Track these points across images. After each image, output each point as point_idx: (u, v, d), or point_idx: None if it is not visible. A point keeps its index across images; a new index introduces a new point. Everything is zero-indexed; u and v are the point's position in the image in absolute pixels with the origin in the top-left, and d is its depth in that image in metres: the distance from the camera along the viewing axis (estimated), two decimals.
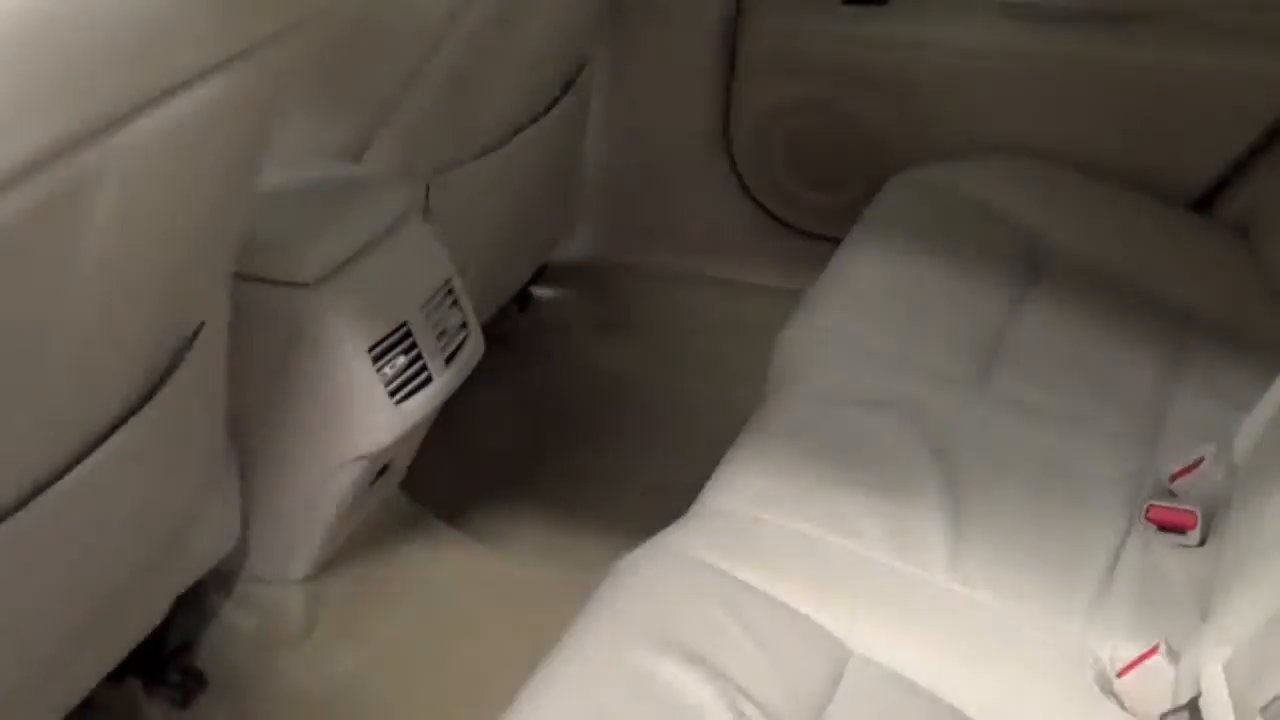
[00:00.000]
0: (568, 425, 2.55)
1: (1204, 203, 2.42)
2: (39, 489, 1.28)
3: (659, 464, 2.42)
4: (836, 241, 2.22)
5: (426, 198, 2.08)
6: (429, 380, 1.90)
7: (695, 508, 1.66)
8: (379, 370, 1.83)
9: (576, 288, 2.80)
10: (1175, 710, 1.39)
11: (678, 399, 2.59)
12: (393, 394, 1.85)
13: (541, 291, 2.80)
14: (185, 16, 1.14)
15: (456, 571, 2.11)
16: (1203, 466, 1.74)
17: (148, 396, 1.42)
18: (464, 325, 1.98)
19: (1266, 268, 2.27)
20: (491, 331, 2.20)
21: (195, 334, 1.53)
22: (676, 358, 2.67)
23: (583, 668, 1.39)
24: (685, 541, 1.57)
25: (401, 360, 1.86)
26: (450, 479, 2.29)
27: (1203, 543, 1.69)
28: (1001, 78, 2.45)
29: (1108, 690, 1.47)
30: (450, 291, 1.97)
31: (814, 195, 2.65)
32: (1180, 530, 1.69)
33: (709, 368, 2.62)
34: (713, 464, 1.77)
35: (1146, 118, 2.40)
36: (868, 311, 2.00)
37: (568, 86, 2.39)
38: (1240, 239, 2.34)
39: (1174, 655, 1.45)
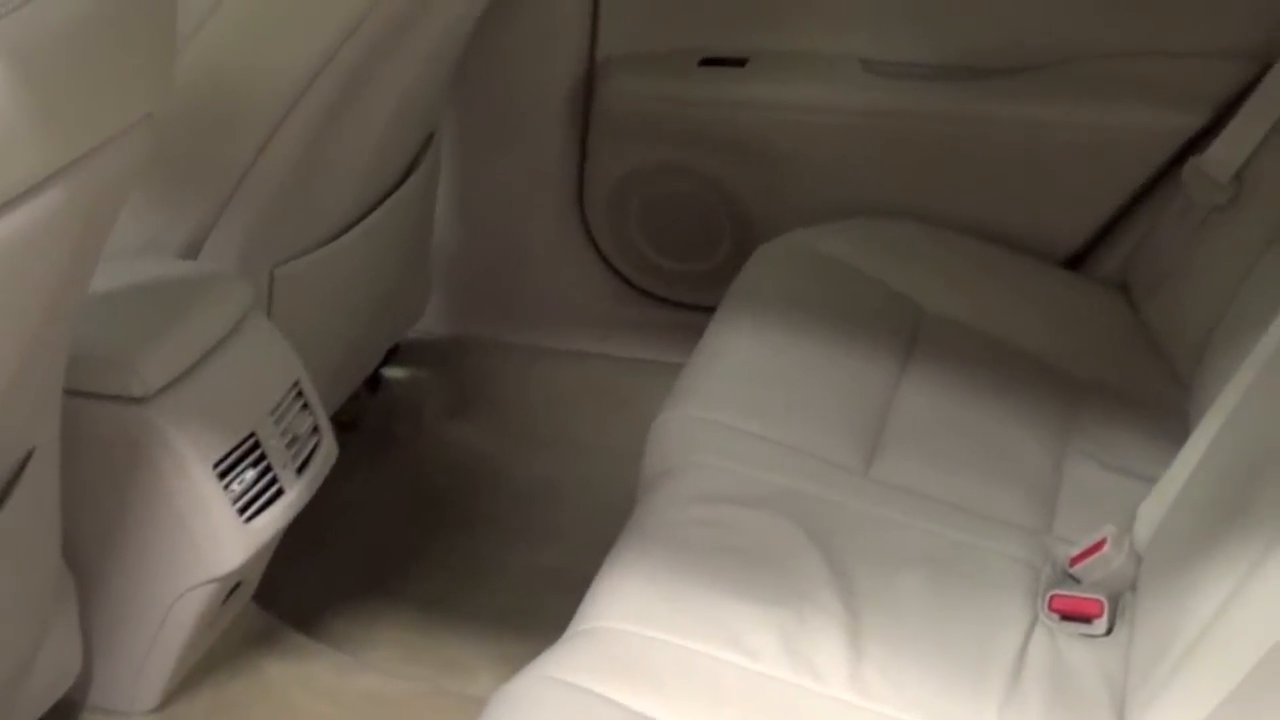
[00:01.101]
0: (427, 514, 2.43)
1: (1080, 259, 2.37)
2: None
3: (528, 550, 2.32)
4: (700, 309, 2.15)
5: (270, 291, 1.97)
6: (280, 493, 1.80)
7: (573, 626, 1.56)
8: (226, 487, 1.72)
9: (430, 366, 2.70)
10: None
11: (543, 479, 2.49)
12: (241, 511, 1.74)
13: (393, 372, 2.68)
14: (14, 129, 1.07)
15: (318, 686, 1.98)
16: (1105, 550, 1.67)
17: None
18: (315, 429, 1.88)
19: (1147, 324, 2.22)
20: (340, 418, 2.10)
21: (24, 461, 1.42)
22: (538, 435, 2.57)
23: None
24: (565, 667, 1.46)
25: (250, 474, 1.75)
26: (305, 584, 2.16)
27: (1109, 631, 1.62)
28: (868, 137, 2.39)
29: None
30: (300, 394, 1.87)
31: (675, 263, 2.57)
32: (1086, 620, 1.62)
33: (573, 445, 2.53)
34: (584, 547, 1.69)
35: (1019, 174, 2.35)
36: (745, 395, 1.91)
37: (416, 161, 2.29)
38: (1119, 295, 2.29)
39: None
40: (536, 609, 1.65)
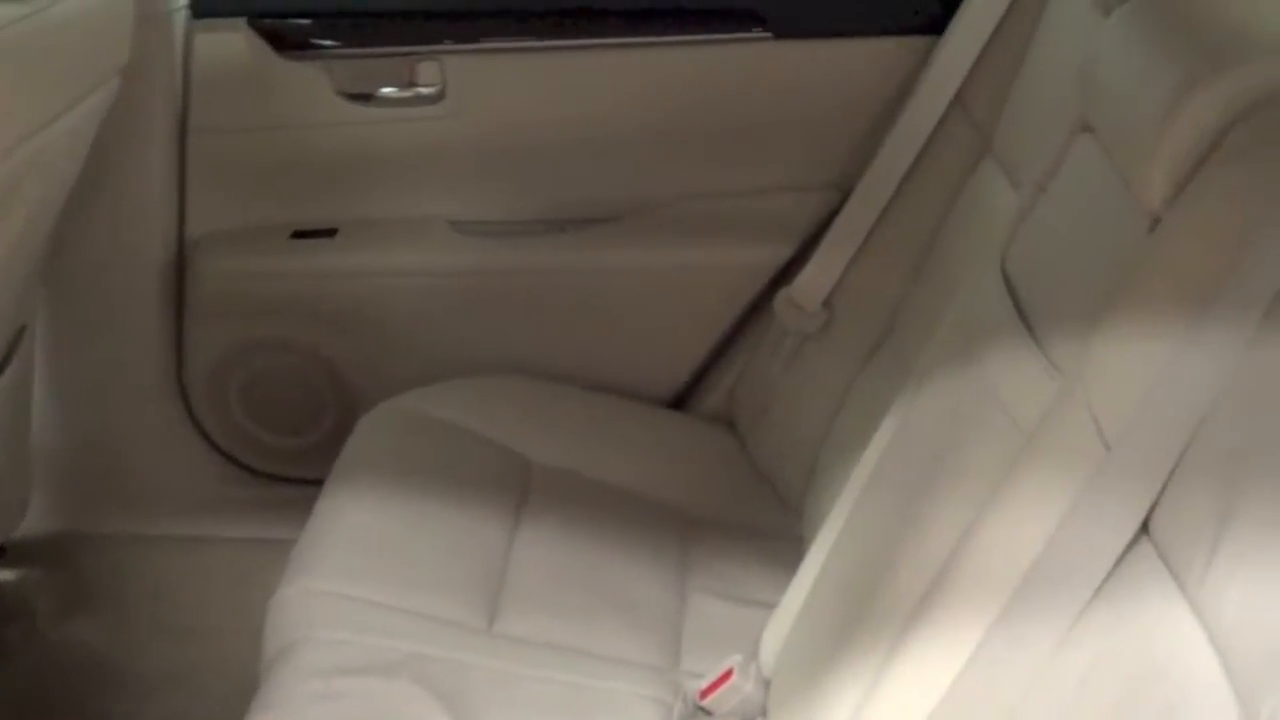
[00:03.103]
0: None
1: (684, 398, 2.41)
2: None
3: None
4: (311, 483, 2.10)
5: None
6: None
7: None
8: None
9: (40, 565, 2.58)
10: None
11: (165, 670, 2.39)
12: None
13: (1, 575, 2.57)
14: None
15: None
16: (733, 680, 1.70)
17: None
18: None
19: (754, 457, 2.26)
20: None
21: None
22: (158, 626, 2.48)
23: None
24: None
25: None
26: None
27: None
28: (462, 297, 2.39)
29: None
30: None
31: (282, 438, 2.52)
32: None
33: (194, 632, 2.44)
34: None
35: (614, 320, 2.38)
36: (360, 564, 1.88)
37: (7, 357, 2.21)
38: (725, 431, 2.33)
39: None
40: None
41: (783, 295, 2.24)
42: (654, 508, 2.08)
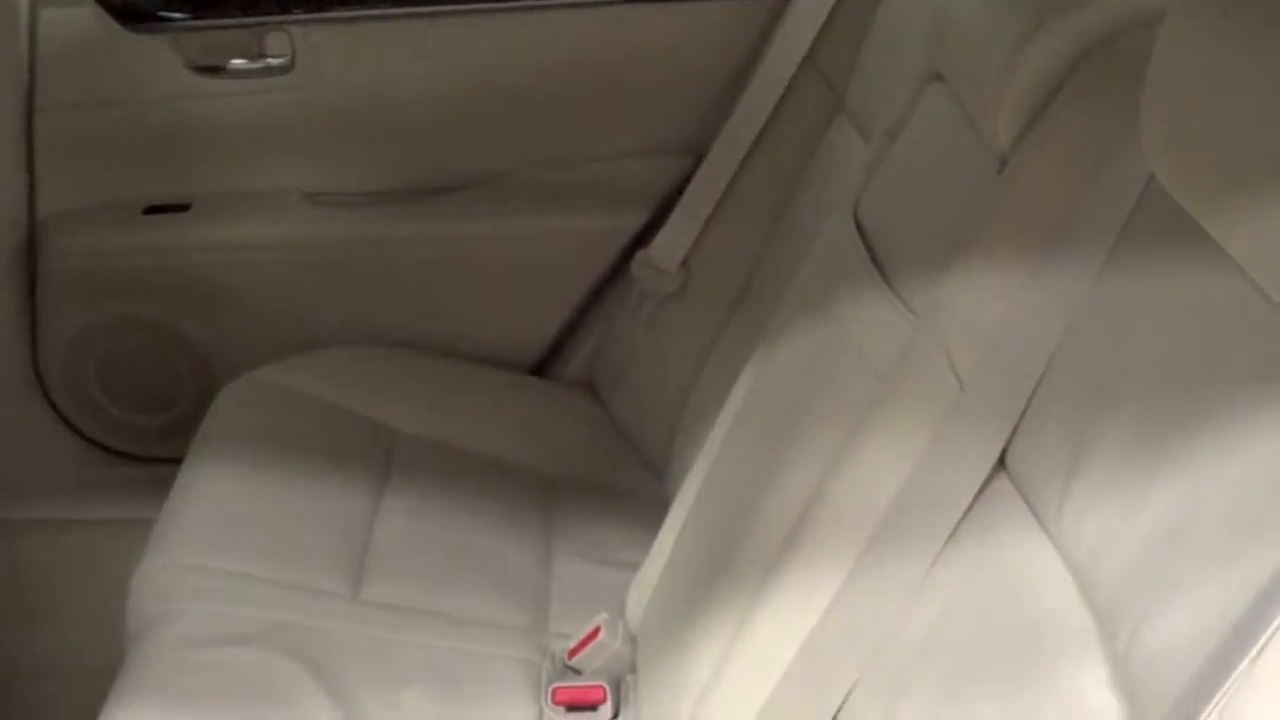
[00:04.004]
0: None
1: (546, 365, 2.40)
2: None
3: None
4: (173, 461, 2.07)
5: None
6: None
7: None
8: None
9: None
10: None
11: (28, 655, 2.36)
12: None
13: None
14: None
15: None
16: (600, 638, 1.70)
17: None
18: None
19: (616, 420, 2.27)
20: None
21: None
22: (19, 611, 2.44)
23: None
24: None
25: None
26: None
27: (616, 716, 1.64)
28: (318, 269, 2.37)
29: None
30: None
31: (140, 416, 2.49)
32: (591, 708, 1.64)
33: (56, 615, 2.41)
34: (82, 716, 1.59)
35: (473, 289, 2.37)
36: (222, 536, 1.86)
37: None
38: (587, 395, 2.33)
39: None
40: None
41: (640, 258, 2.24)
42: (518, 473, 2.08)
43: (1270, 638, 0.76)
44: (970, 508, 1.21)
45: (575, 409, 2.31)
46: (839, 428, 1.37)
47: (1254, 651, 0.76)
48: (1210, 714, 0.77)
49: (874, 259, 1.51)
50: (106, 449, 2.51)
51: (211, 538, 1.86)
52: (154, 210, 2.39)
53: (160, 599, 1.76)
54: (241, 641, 1.66)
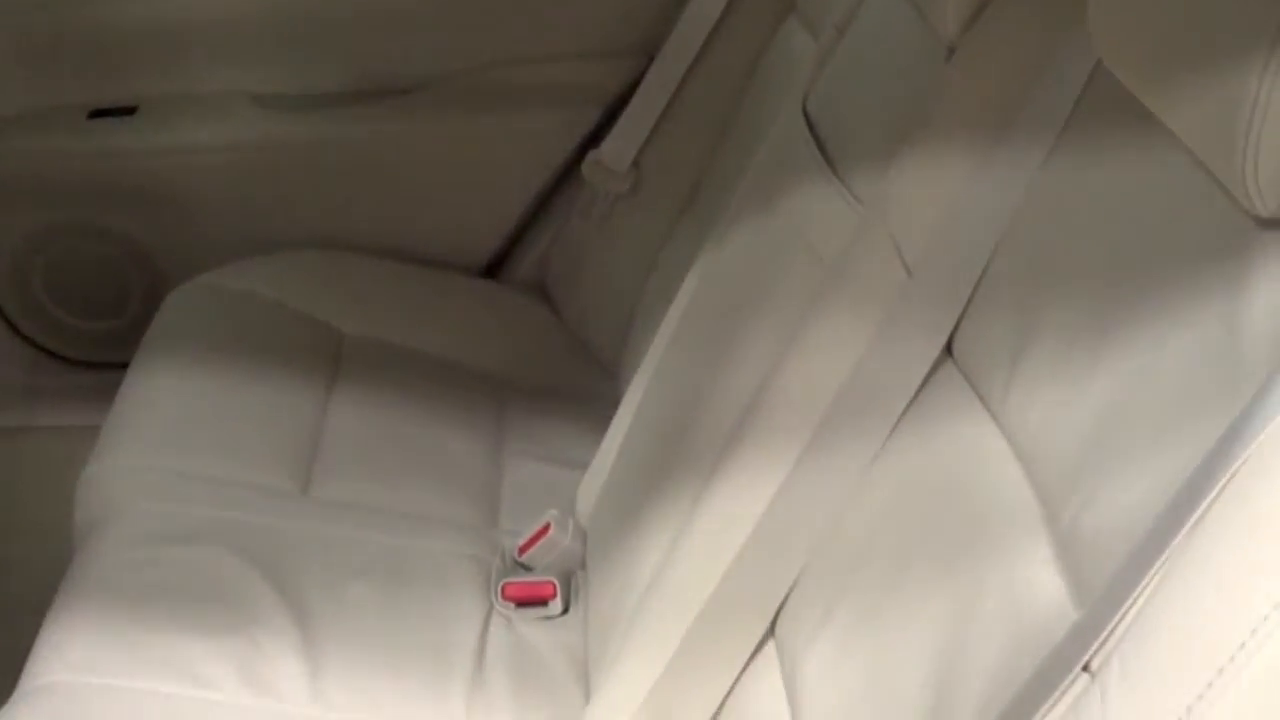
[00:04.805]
0: None
1: (497, 267, 2.39)
2: None
3: None
4: (124, 368, 2.06)
5: None
6: None
7: (20, 688, 1.47)
8: None
9: None
10: None
11: None
12: None
13: None
14: None
15: None
16: (550, 534, 1.70)
17: None
18: None
19: (567, 321, 2.27)
20: None
21: None
22: None
23: None
24: None
25: None
26: None
27: (566, 610, 1.65)
28: (266, 172, 2.35)
29: None
30: None
31: (89, 323, 2.47)
32: (541, 603, 1.65)
33: (9, 523, 2.40)
34: (33, 624, 1.58)
35: (423, 191, 2.36)
36: (170, 437, 1.85)
37: None
38: (539, 297, 2.33)
39: None
40: None
41: (591, 158, 2.23)
42: (468, 374, 2.08)
43: (1205, 510, 0.76)
44: (917, 395, 1.21)
45: (526, 311, 2.30)
46: (786, 317, 1.37)
47: (1188, 525, 0.76)
48: (1146, 587, 0.77)
49: (822, 151, 1.50)
50: (55, 355, 2.50)
51: (158, 438, 1.85)
52: (99, 114, 2.37)
53: (106, 501, 1.76)
54: (188, 539, 1.66)
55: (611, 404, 1.96)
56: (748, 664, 1.29)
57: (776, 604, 1.27)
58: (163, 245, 2.39)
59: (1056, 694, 0.79)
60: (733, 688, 1.29)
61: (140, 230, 2.38)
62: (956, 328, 1.20)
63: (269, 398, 1.93)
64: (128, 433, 1.87)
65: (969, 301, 1.19)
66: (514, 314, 2.29)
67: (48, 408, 2.46)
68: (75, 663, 1.48)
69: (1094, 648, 0.78)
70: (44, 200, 2.39)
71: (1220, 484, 0.75)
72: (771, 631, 1.28)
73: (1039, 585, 0.96)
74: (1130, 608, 0.77)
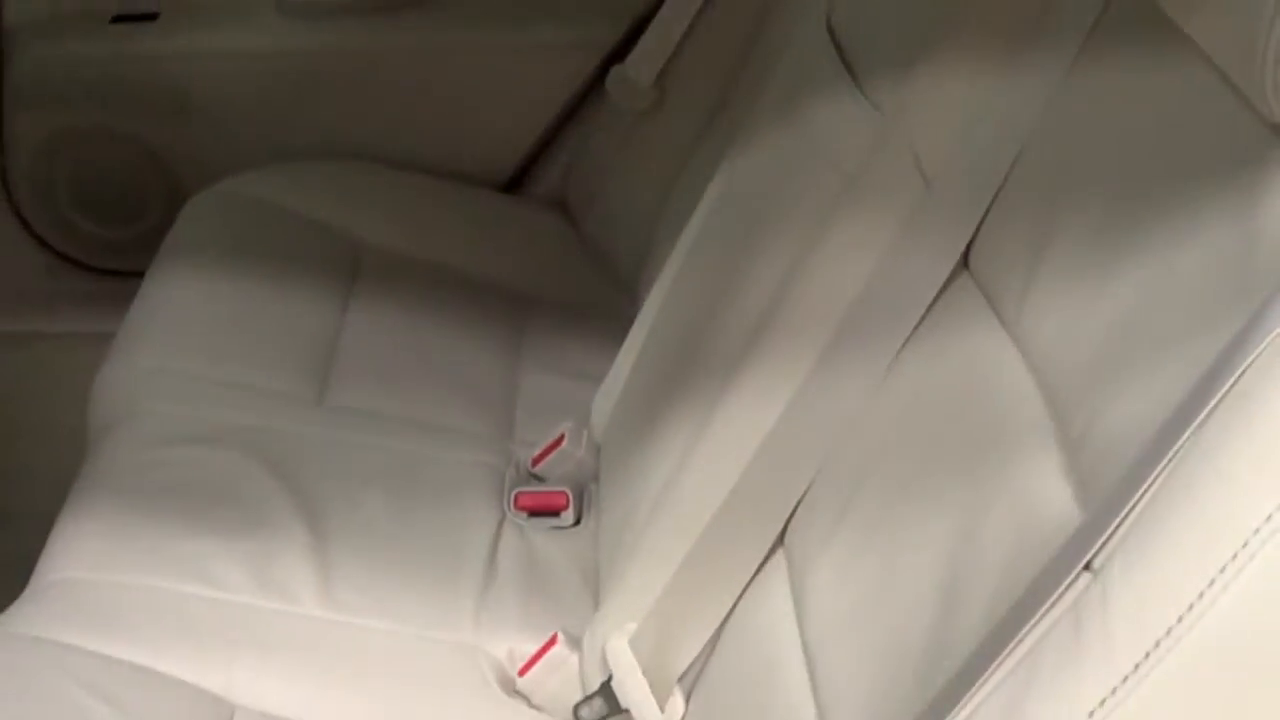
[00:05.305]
0: None
1: (518, 182, 2.38)
2: None
3: None
4: (140, 275, 2.06)
5: None
6: None
7: (33, 583, 1.48)
8: None
9: None
10: (588, 698, 1.34)
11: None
12: None
13: None
14: None
15: None
16: (564, 445, 1.71)
17: None
18: None
19: (587, 237, 2.26)
20: None
21: None
22: None
23: None
24: (27, 623, 1.40)
25: None
26: None
27: (578, 522, 1.66)
28: (290, 80, 2.34)
29: (513, 691, 1.41)
30: None
31: (110, 230, 2.47)
32: (554, 513, 1.65)
33: (21, 428, 2.41)
34: (44, 528, 1.59)
35: (445, 104, 2.34)
36: (188, 341, 1.86)
37: None
38: (559, 213, 2.32)
39: (574, 642, 1.42)
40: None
41: (615, 73, 2.21)
42: (487, 288, 2.07)
43: (1209, 414, 0.76)
44: (932, 306, 1.20)
45: (547, 227, 2.29)
46: (804, 228, 1.36)
47: (1192, 427, 0.76)
48: (1150, 488, 0.77)
49: (844, 62, 1.49)
50: (74, 262, 2.50)
51: (175, 342, 1.85)
52: (121, 19, 2.36)
53: (121, 402, 1.76)
54: (202, 442, 1.66)
55: (629, 321, 1.96)
56: (756, 573, 1.29)
57: (786, 513, 1.27)
58: (182, 152, 2.39)
59: (1058, 592, 0.79)
60: (741, 596, 1.30)
61: (160, 136, 2.38)
62: (973, 239, 1.19)
63: (286, 305, 1.93)
64: (144, 336, 1.87)
65: (987, 212, 1.18)
66: (534, 229, 2.28)
67: (66, 314, 2.47)
68: (87, 559, 1.49)
69: (1096, 547, 0.78)
70: (65, 105, 2.38)
71: (1225, 388, 0.75)
72: (781, 541, 1.28)
73: (1048, 493, 0.96)
74: (1133, 509, 0.77)
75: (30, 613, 1.42)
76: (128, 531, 1.52)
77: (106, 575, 1.47)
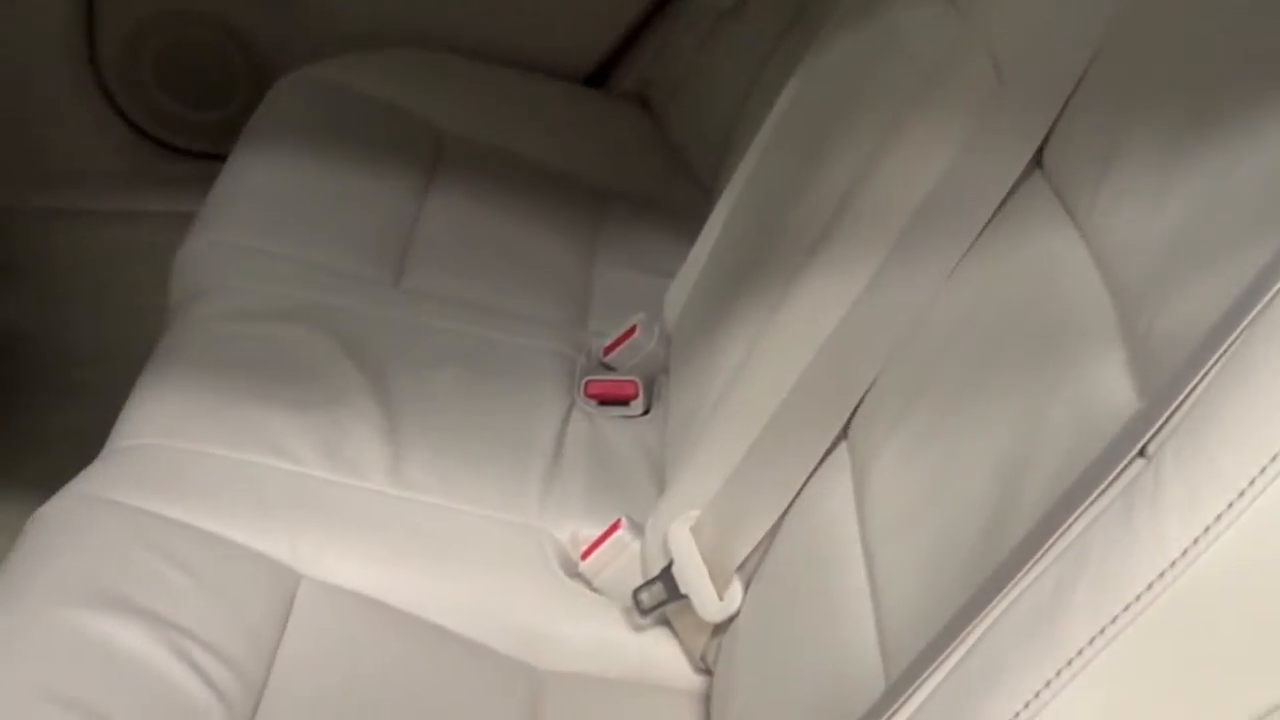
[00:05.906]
0: None
1: (600, 77, 2.39)
2: None
3: (77, 413, 2.20)
4: (224, 158, 2.08)
5: None
6: None
7: (108, 447, 1.51)
8: None
9: None
10: (648, 583, 1.36)
11: (84, 341, 2.39)
12: None
13: None
14: None
15: None
16: (635, 336, 1.72)
17: None
18: None
19: (667, 134, 2.26)
20: None
21: None
22: (74, 298, 2.47)
23: (2, 641, 1.23)
24: (101, 485, 1.42)
25: None
26: None
27: (646, 412, 1.67)
28: None
29: (574, 574, 1.42)
30: None
31: (197, 113, 2.50)
32: (623, 402, 1.67)
33: (105, 304, 2.44)
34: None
35: None
36: (270, 220, 1.88)
37: None
38: (640, 109, 2.33)
39: (637, 528, 1.43)
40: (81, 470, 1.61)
41: None
42: (566, 180, 2.09)
43: (1265, 306, 0.76)
44: (1004, 204, 1.20)
45: (628, 122, 2.30)
46: (878, 127, 1.36)
47: (1248, 319, 0.77)
48: (1205, 377, 0.78)
49: None
50: (160, 143, 2.53)
51: (257, 220, 1.87)
52: None
53: (201, 276, 1.79)
54: (280, 318, 1.68)
55: (705, 217, 1.97)
56: (818, 466, 1.30)
57: (850, 408, 1.27)
58: (270, 36, 2.41)
59: (1112, 476, 0.80)
60: (802, 489, 1.30)
61: (249, 20, 2.41)
62: (1047, 140, 1.19)
63: (366, 189, 1.95)
64: (226, 214, 1.89)
65: (1061, 112, 1.18)
66: (615, 123, 2.29)
67: (152, 194, 2.50)
68: (162, 427, 1.51)
69: (1150, 432, 0.79)
70: None
71: None
72: (844, 435, 1.29)
73: (1109, 387, 0.96)
74: (1188, 397, 0.78)
75: (103, 475, 1.44)
76: (203, 402, 1.54)
77: (179, 443, 1.49)
